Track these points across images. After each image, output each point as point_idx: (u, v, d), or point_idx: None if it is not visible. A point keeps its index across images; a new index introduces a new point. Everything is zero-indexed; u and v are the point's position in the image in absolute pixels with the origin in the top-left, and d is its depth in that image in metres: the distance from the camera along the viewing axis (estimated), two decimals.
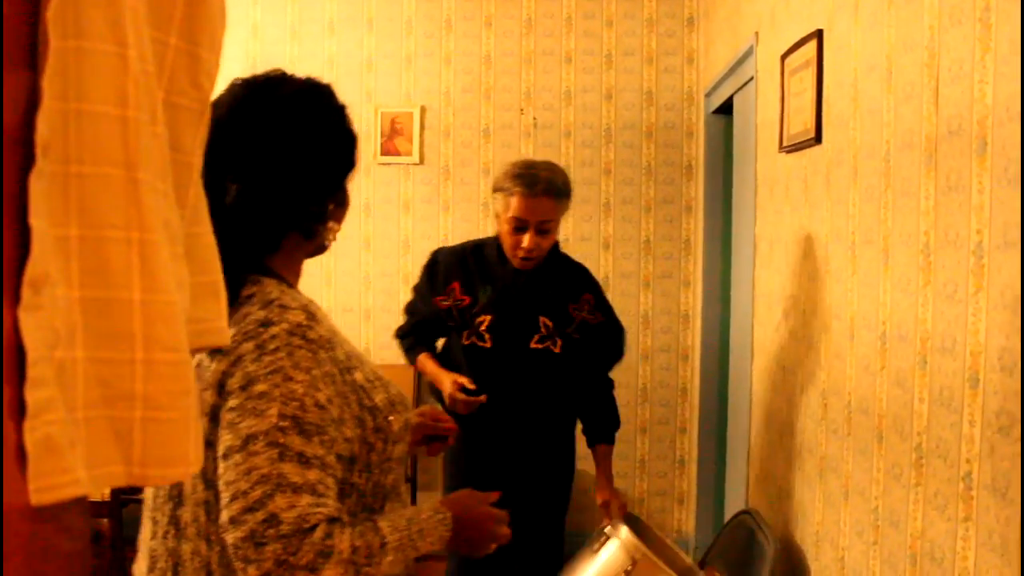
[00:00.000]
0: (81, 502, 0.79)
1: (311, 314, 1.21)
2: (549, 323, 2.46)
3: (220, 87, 4.39)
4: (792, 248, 2.44)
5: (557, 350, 2.47)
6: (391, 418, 1.26)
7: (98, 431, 0.71)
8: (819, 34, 2.14)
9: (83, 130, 0.70)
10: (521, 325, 2.46)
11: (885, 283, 1.75)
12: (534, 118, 4.28)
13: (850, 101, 1.96)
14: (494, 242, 2.50)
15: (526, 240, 2.33)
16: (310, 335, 1.18)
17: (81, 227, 0.70)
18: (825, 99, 2.13)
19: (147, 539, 1.25)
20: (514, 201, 2.30)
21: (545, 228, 2.35)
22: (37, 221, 0.65)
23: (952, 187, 1.46)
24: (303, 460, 1.11)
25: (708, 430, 3.98)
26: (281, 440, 1.10)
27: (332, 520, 1.12)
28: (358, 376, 1.25)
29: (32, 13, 0.67)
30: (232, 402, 1.12)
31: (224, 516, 1.10)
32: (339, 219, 1.36)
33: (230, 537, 1.09)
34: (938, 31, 1.52)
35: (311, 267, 1.43)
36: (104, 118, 0.71)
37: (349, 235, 3.78)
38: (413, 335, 2.65)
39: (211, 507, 1.15)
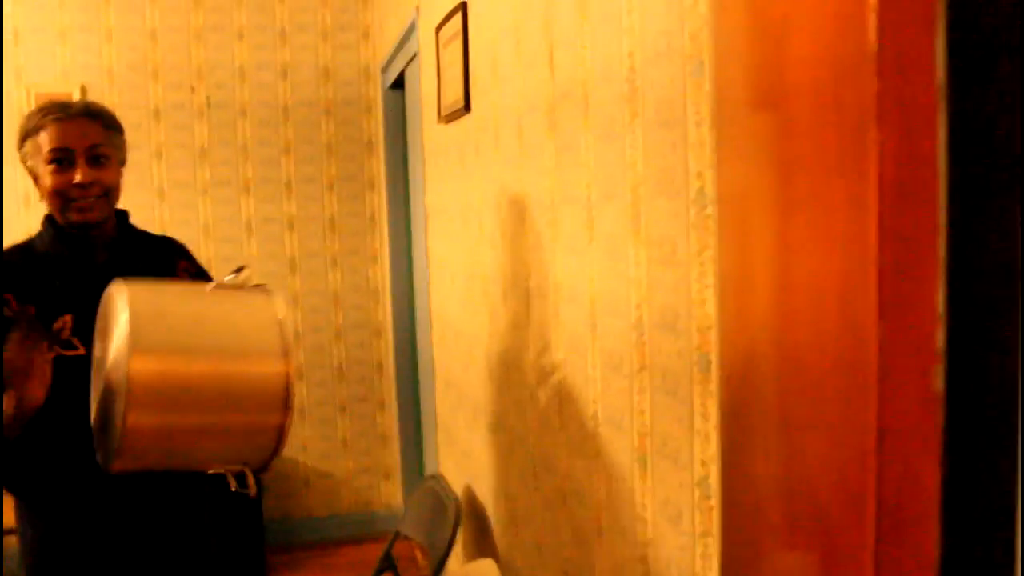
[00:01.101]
0: None
1: None
2: None
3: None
4: (455, 218, 2.51)
5: None
6: None
7: None
8: (463, 6, 2.20)
9: None
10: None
11: (523, 240, 1.85)
12: (207, 97, 4.09)
13: (489, 70, 2.04)
14: (44, 232, 1.86)
15: (78, 174, 1.74)
16: None
17: None
18: (472, 69, 2.20)
19: None
20: (48, 133, 1.75)
21: (98, 155, 1.78)
22: None
23: (567, 147, 1.56)
24: None
25: (406, 403, 4.04)
26: None
27: None
28: None
29: None
30: None
31: None
32: None
33: None
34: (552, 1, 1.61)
35: None
36: None
37: None
38: None
39: None
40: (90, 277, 1.73)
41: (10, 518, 1.80)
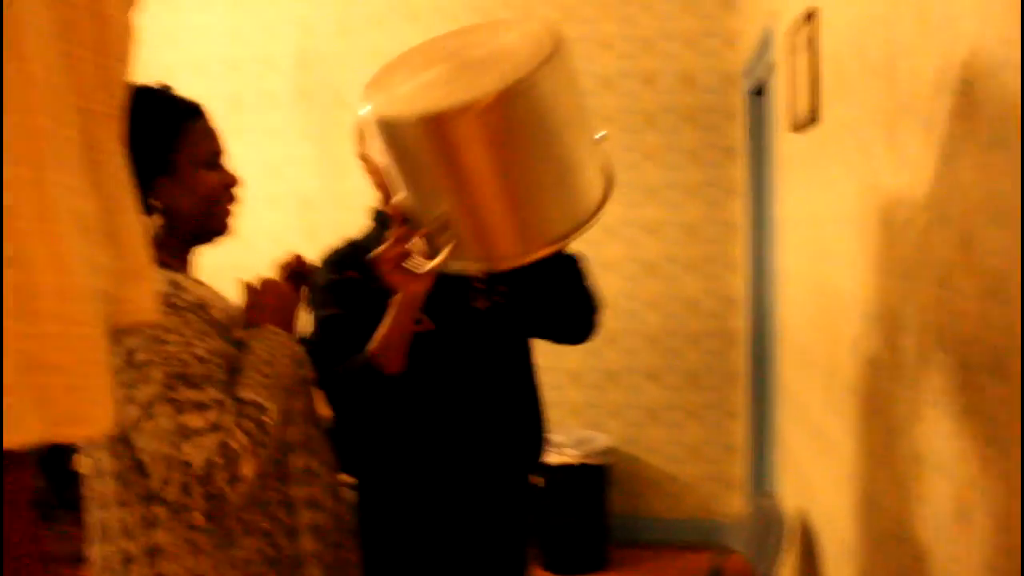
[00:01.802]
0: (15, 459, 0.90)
1: (176, 283, 1.33)
2: (480, 281, 1.81)
3: (312, 79, 4.38)
4: (805, 231, 2.42)
5: (503, 301, 1.83)
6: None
7: (19, 393, 0.81)
8: (813, 14, 2.12)
9: None
10: (452, 291, 1.76)
11: (864, 260, 1.75)
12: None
13: (837, 79, 1.94)
14: (371, 232, 1.84)
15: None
16: (175, 302, 1.31)
17: None
18: (820, 78, 2.11)
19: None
20: None
21: None
22: None
23: (905, 163, 1.45)
24: (199, 406, 1.25)
25: (756, 415, 3.95)
26: (172, 396, 1.24)
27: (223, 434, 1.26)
28: (237, 333, 1.39)
29: None
30: (123, 377, 1.23)
31: (154, 482, 1.24)
32: (175, 210, 1.41)
33: (168, 496, 1.24)
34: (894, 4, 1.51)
35: None
36: (12, 127, 0.80)
37: None
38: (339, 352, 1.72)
39: (125, 476, 1.28)
40: None
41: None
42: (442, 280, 1.65)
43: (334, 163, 4.45)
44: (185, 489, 1.23)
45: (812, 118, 2.13)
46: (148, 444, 1.24)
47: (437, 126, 1.26)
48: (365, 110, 1.36)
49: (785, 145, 2.71)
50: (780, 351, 2.94)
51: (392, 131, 1.33)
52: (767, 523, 2.50)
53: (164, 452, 1.23)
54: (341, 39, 4.43)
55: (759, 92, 3.70)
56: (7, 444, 0.77)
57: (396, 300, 1.55)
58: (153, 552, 1.29)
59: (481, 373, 1.82)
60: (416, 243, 1.46)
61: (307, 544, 1.44)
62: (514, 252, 1.39)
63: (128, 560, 1.29)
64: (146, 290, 0.98)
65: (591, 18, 4.26)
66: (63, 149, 0.85)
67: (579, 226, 1.40)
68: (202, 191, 1.43)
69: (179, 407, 1.24)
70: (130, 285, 0.96)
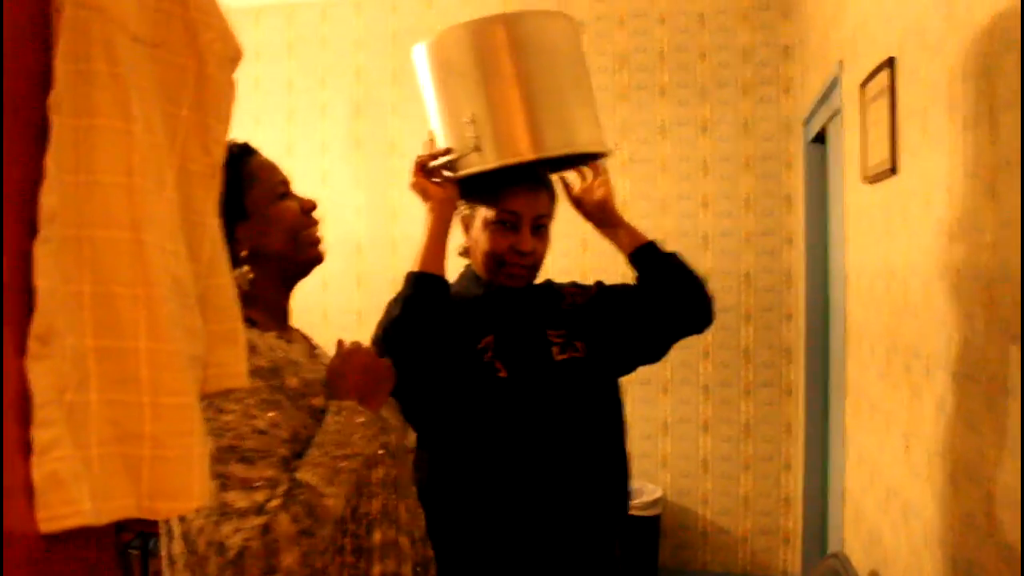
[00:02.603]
0: (98, 533, 0.86)
1: (250, 346, 1.24)
2: (559, 332, 1.81)
3: (366, 133, 4.53)
4: (876, 283, 2.36)
5: (581, 355, 1.79)
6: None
7: (110, 466, 0.77)
8: (891, 62, 2.08)
9: (93, 198, 0.77)
10: (530, 342, 1.78)
11: (955, 319, 1.68)
12: (629, 154, 4.28)
13: (920, 131, 1.89)
14: (465, 280, 1.87)
15: (523, 241, 1.73)
16: None
17: (93, 283, 0.77)
18: (898, 129, 2.06)
19: None
20: (504, 195, 1.73)
21: (541, 224, 1.77)
22: (42, 281, 0.72)
23: (1008, 222, 1.40)
24: (247, 484, 1.16)
25: (813, 468, 3.85)
26: (221, 470, 1.15)
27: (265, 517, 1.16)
28: (315, 401, 1.31)
29: (38, 96, 0.75)
30: None
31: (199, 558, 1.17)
32: (263, 252, 1.38)
33: (209, 569, 1.15)
34: (993, 56, 1.46)
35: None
36: (112, 187, 0.78)
37: None
38: None
39: (190, 540, 1.22)
40: (509, 301, 1.80)
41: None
42: (519, 331, 1.77)
43: (385, 209, 4.47)
44: (219, 569, 1.14)
45: (891, 169, 2.08)
46: (193, 518, 1.17)
47: (477, 29, 1.67)
48: (421, 45, 1.74)
49: (855, 195, 2.66)
50: (847, 405, 2.85)
51: (442, 45, 1.70)
52: None
53: (204, 528, 1.15)
54: (395, 88, 4.46)
55: (819, 139, 3.65)
56: (96, 520, 0.73)
57: (429, 208, 1.72)
58: None
59: (557, 426, 1.75)
60: (442, 159, 1.71)
61: None
62: (525, 149, 1.64)
63: None
64: (238, 354, 0.95)
65: (649, 67, 4.26)
66: (162, 210, 0.83)
67: (583, 147, 1.71)
68: (284, 224, 1.40)
69: (225, 484, 1.16)
70: (221, 349, 0.93)
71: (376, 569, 1.36)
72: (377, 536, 1.36)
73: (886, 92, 2.10)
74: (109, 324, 0.77)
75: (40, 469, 0.70)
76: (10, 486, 0.68)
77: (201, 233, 0.93)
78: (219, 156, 0.94)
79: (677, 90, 4.24)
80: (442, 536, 1.74)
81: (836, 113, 3.03)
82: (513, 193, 1.72)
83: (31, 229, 0.73)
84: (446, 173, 1.70)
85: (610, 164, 4.24)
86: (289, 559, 1.15)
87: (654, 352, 1.88)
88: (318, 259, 1.48)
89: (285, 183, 1.45)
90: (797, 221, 4.05)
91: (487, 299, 1.80)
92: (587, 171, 1.91)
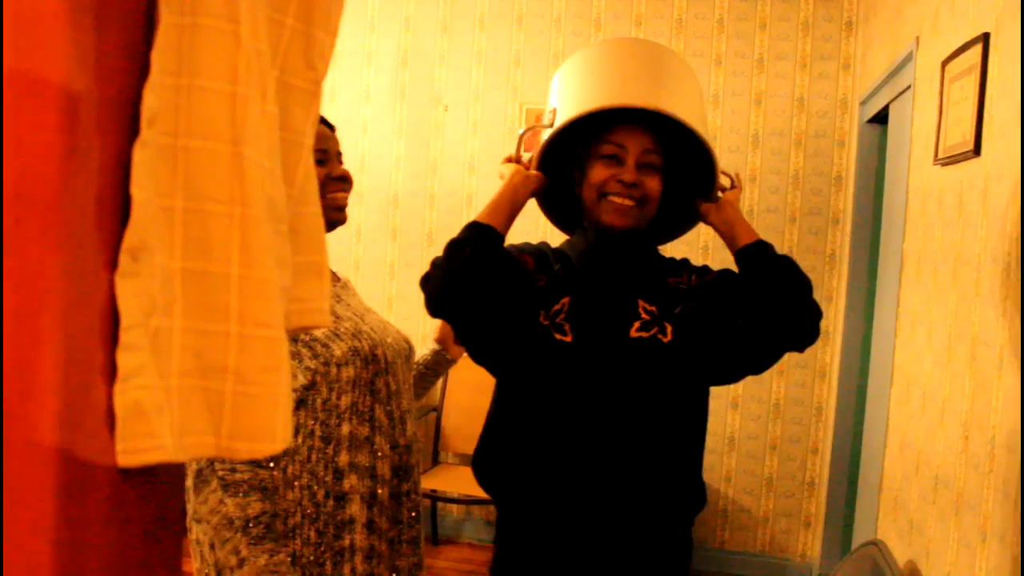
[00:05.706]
0: (171, 471, 0.80)
1: None
2: (651, 307, 1.70)
3: (375, 79, 4.49)
4: (941, 268, 2.28)
5: (667, 339, 1.67)
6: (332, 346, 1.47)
7: (190, 400, 0.71)
8: (985, 38, 1.99)
9: (192, 104, 0.70)
10: (613, 309, 1.70)
11: None
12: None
13: (1014, 111, 1.81)
14: (577, 231, 1.86)
15: (626, 173, 1.67)
16: None
17: (186, 199, 0.71)
18: (987, 109, 1.98)
19: None
20: (613, 133, 1.70)
21: (647, 162, 1.69)
22: (138, 191, 0.66)
23: None
24: None
25: (841, 453, 3.80)
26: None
27: None
28: (318, 333, 1.44)
29: None
30: None
31: None
32: None
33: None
34: None
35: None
36: (214, 94, 0.71)
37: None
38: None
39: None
40: (594, 266, 1.75)
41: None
42: (604, 293, 1.70)
43: (425, 162, 4.39)
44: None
45: (974, 150, 2.00)
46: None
47: (655, 46, 1.87)
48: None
49: (921, 177, 2.57)
50: (893, 392, 2.79)
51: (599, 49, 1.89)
52: (875, 574, 2.36)
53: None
54: (444, 38, 4.37)
55: (878, 119, 3.55)
56: (176, 456, 0.68)
57: (505, 182, 1.72)
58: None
59: (620, 407, 1.66)
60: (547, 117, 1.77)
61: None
62: (637, 96, 1.68)
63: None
64: (322, 289, 0.89)
65: (704, 33, 4.16)
66: (262, 125, 0.76)
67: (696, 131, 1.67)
68: None
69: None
70: (306, 283, 0.87)
71: (343, 458, 1.48)
72: (345, 428, 1.48)
73: (975, 69, 2.01)
74: (200, 245, 0.71)
75: (123, 396, 0.64)
76: (91, 412, 0.63)
77: (297, 155, 0.86)
78: (323, 72, 0.87)
79: (734, 60, 4.13)
80: (506, 502, 1.75)
81: (904, 91, 2.93)
82: (620, 127, 1.69)
83: (131, 132, 0.67)
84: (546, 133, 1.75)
85: None
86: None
87: (751, 360, 1.68)
88: (336, 223, 1.56)
89: (320, 151, 1.51)
90: (846, 201, 3.96)
91: (586, 251, 1.76)
92: (737, 175, 1.86)
